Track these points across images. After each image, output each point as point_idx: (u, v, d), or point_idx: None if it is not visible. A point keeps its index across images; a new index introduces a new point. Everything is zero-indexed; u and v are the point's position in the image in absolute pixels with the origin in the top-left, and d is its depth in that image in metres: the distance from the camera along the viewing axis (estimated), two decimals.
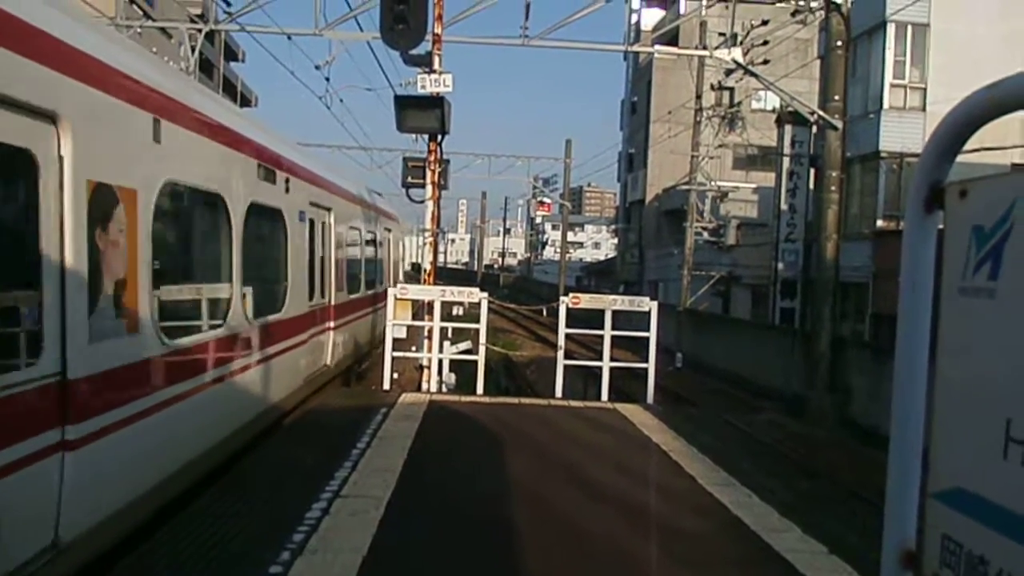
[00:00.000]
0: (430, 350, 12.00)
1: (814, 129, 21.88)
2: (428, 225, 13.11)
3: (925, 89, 22.33)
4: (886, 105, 22.50)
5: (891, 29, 22.40)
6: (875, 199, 22.88)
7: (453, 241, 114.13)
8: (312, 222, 10.50)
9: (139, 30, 18.49)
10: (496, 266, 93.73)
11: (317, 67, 17.66)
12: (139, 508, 5.38)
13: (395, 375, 11.77)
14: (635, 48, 23.89)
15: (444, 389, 12.15)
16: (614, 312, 11.37)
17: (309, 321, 10.23)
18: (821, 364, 17.41)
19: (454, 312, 14.37)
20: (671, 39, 27.74)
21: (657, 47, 22.82)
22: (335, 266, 11.81)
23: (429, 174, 12.69)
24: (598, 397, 11.54)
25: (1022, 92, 1.30)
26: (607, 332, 11.26)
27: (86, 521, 4.62)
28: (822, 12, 17.82)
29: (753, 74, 18.24)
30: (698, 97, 29.10)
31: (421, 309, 12.69)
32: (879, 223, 22.42)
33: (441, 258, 58.70)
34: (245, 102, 52.66)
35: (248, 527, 5.31)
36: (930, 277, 1.50)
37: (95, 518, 4.74)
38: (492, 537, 5.40)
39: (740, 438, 10.07)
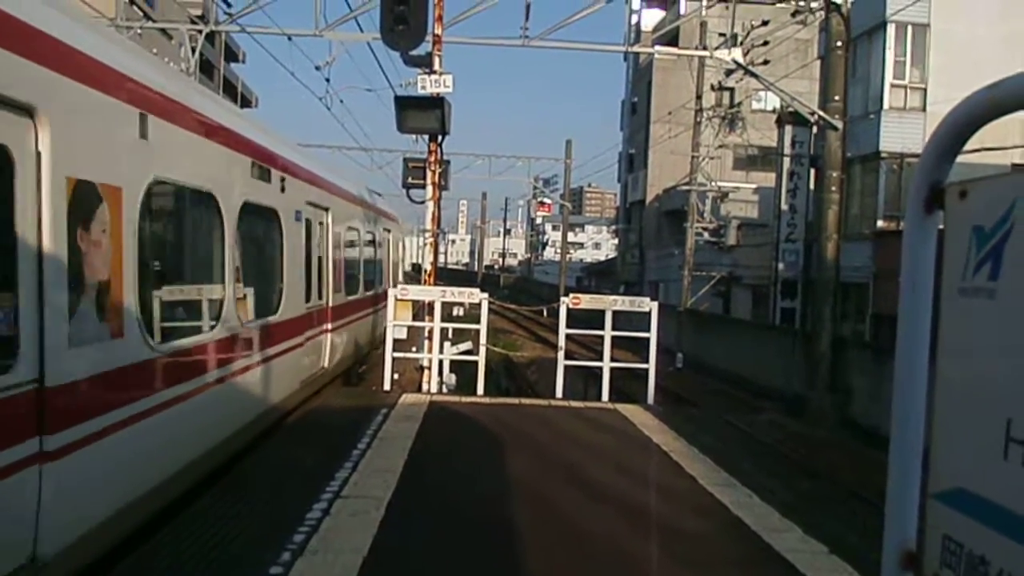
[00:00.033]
0: (430, 351, 12.00)
1: (814, 129, 21.89)
2: (428, 226, 13.11)
3: (925, 89, 22.33)
4: (886, 105, 22.50)
5: (891, 29, 22.40)
6: (875, 199, 22.88)
7: (453, 242, 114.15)
8: (309, 222, 10.33)
9: (139, 31, 18.51)
10: (496, 267, 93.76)
11: (317, 68, 17.69)
12: (124, 520, 5.16)
13: (395, 376, 11.77)
14: (635, 49, 23.91)
15: (444, 390, 12.15)
16: (615, 313, 11.37)
17: (306, 323, 10.05)
18: (822, 364, 17.41)
19: (454, 313, 14.38)
20: (671, 40, 27.75)
21: (657, 48, 22.83)
22: (333, 267, 11.62)
23: (429, 175, 12.69)
24: (599, 397, 11.54)
25: (1022, 92, 1.30)
26: (607, 332, 11.26)
27: (67, 536, 4.41)
28: (822, 12, 17.82)
29: (753, 74, 18.24)
30: (698, 97, 29.11)
31: (421, 310, 12.68)
32: (879, 223, 22.42)
33: (441, 259, 58.73)
34: (245, 103, 52.70)
35: (249, 527, 5.31)
36: (930, 277, 1.50)
37: (76, 532, 4.52)
38: (493, 537, 5.40)
39: (741, 438, 10.06)
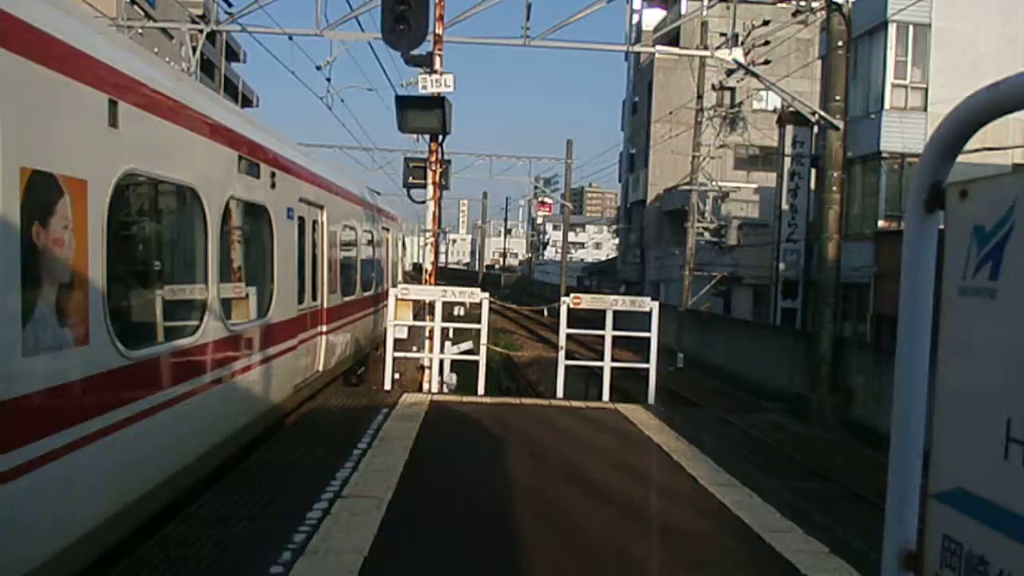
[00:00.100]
0: (431, 350, 11.99)
1: (815, 129, 21.91)
2: (429, 225, 13.11)
3: (926, 89, 22.32)
4: (887, 105, 22.49)
5: (892, 29, 22.39)
6: (876, 199, 22.88)
7: (454, 241, 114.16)
8: (302, 220, 9.97)
9: (140, 31, 18.53)
10: (497, 266, 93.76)
11: (318, 67, 17.67)
12: (88, 547, 4.70)
13: (396, 375, 11.77)
14: (636, 48, 23.84)
15: (445, 389, 12.15)
16: (615, 312, 11.37)
17: (298, 326, 9.69)
18: (823, 365, 17.41)
19: (455, 312, 14.37)
20: (672, 39, 27.77)
21: (658, 47, 22.83)
22: (328, 267, 11.29)
23: (430, 174, 12.69)
24: (599, 397, 11.54)
25: (1022, 92, 1.30)
26: (608, 332, 11.25)
27: (17, 569, 4.02)
28: (823, 12, 17.82)
29: (754, 74, 18.24)
30: (699, 97, 29.10)
31: (422, 309, 12.68)
32: (880, 223, 22.42)
33: (442, 258, 58.80)
34: (247, 102, 52.72)
35: (249, 527, 5.31)
36: (931, 277, 1.50)
37: (31, 564, 4.09)
38: (494, 537, 5.40)
39: (742, 438, 10.08)
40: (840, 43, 17.17)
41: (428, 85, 12.18)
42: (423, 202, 13.02)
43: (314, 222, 10.68)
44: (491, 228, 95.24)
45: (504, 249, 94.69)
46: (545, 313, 25.15)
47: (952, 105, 1.47)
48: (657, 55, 34.87)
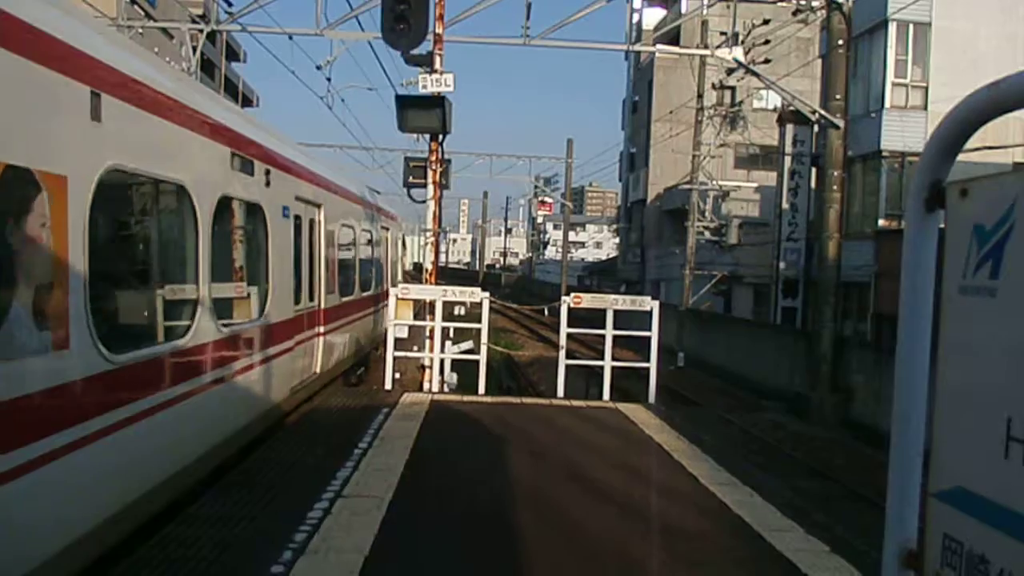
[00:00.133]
0: (432, 350, 11.99)
1: (816, 128, 21.89)
2: (430, 225, 13.11)
3: (927, 88, 22.32)
4: (888, 104, 22.49)
5: (892, 28, 22.39)
6: (877, 198, 22.88)
7: (455, 241, 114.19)
8: (298, 219, 9.75)
9: (141, 30, 18.53)
10: (498, 266, 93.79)
11: (318, 67, 17.66)
12: (69, 563, 4.45)
13: (397, 375, 11.76)
14: (636, 47, 23.86)
15: (446, 389, 12.15)
16: (616, 312, 11.37)
17: (295, 327, 9.47)
18: (823, 364, 17.41)
19: (456, 312, 14.38)
20: (672, 38, 27.76)
21: (658, 46, 22.84)
22: (325, 267, 11.11)
23: (431, 174, 12.69)
24: (600, 397, 11.54)
25: (1023, 91, 1.30)
26: (608, 332, 11.25)
27: None
28: (823, 11, 17.81)
29: (754, 73, 18.24)
30: (699, 96, 29.10)
31: (423, 309, 12.68)
32: (881, 222, 22.42)
33: (443, 258, 58.77)
34: (247, 102, 52.73)
35: (250, 527, 5.31)
36: (931, 276, 1.50)
37: None
38: (494, 537, 5.40)
39: (742, 438, 10.08)
40: (840, 42, 17.17)
41: (428, 84, 12.18)
42: (423, 201, 13.02)
43: (311, 221, 10.52)
44: (491, 227, 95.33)
45: (504, 248, 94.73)
46: (546, 312, 25.15)
47: (952, 104, 1.47)
48: (657, 54, 34.86)
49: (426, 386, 12.20)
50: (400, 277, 20.12)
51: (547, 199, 62.99)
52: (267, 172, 8.37)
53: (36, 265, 4.26)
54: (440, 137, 12.54)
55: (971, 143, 1.50)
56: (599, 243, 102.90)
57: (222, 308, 7.10)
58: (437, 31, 12.51)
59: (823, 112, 17.47)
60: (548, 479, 6.88)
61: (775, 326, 24.05)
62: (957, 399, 1.40)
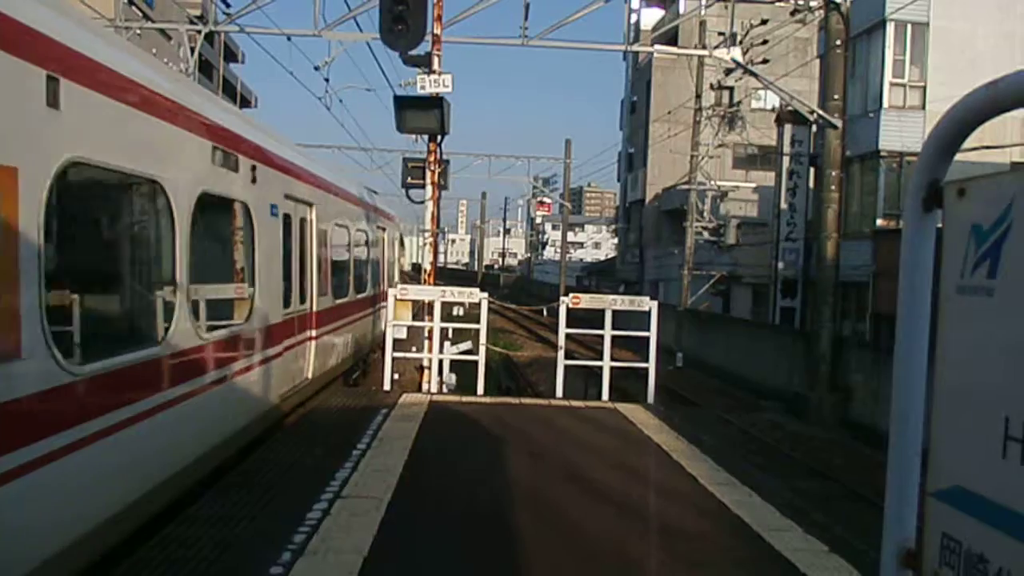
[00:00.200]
0: (430, 351, 12.00)
1: (814, 128, 21.92)
2: (428, 225, 13.11)
3: (925, 88, 22.35)
4: (886, 104, 22.51)
5: (890, 28, 22.42)
6: (875, 198, 22.91)
7: (453, 241, 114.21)
8: (288, 218, 9.34)
9: (138, 31, 18.52)
10: (496, 266, 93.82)
11: (316, 68, 17.71)
12: None
13: (396, 376, 11.75)
14: (635, 48, 23.85)
15: (445, 389, 12.15)
16: (614, 312, 11.38)
17: (284, 331, 9.10)
18: (821, 364, 17.42)
19: (454, 312, 14.38)
20: (671, 39, 27.74)
21: (657, 47, 22.82)
22: (318, 268, 10.71)
23: (429, 174, 12.69)
24: (599, 397, 11.54)
25: (1021, 90, 1.30)
26: (607, 332, 11.26)
27: None
28: (821, 11, 17.83)
29: (752, 73, 18.24)
30: (698, 96, 29.12)
31: (421, 309, 12.68)
32: (879, 222, 22.45)
33: (441, 258, 58.79)
34: (245, 103, 52.74)
35: (249, 527, 5.31)
36: (929, 276, 1.50)
37: None
38: (494, 537, 5.40)
39: (741, 438, 10.07)
40: (838, 42, 17.18)
41: (426, 85, 12.18)
42: (422, 202, 13.02)
43: (302, 220, 10.13)
44: (490, 228, 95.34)
45: (503, 249, 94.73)
46: (544, 313, 25.16)
47: (950, 103, 1.47)
48: (655, 55, 34.87)
49: (425, 387, 12.20)
50: (398, 278, 20.03)
51: (546, 199, 62.99)
52: (253, 168, 8.00)
53: None
54: (438, 138, 12.53)
55: (969, 143, 1.50)
56: (598, 243, 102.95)
57: (201, 313, 6.72)
58: (435, 32, 12.51)
59: (821, 112, 17.48)
60: (547, 479, 6.88)
61: (774, 326, 24.07)
62: (955, 399, 1.41)
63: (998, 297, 1.30)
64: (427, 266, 13.32)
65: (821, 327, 17.57)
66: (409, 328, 12.67)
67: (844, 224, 19.42)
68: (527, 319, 36.43)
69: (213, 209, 7.14)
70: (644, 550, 5.20)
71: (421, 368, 12.81)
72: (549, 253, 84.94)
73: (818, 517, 6.20)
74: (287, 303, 9.34)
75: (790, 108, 20.96)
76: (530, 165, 62.93)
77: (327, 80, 19.99)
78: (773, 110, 30.19)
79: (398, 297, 11.71)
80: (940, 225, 1.48)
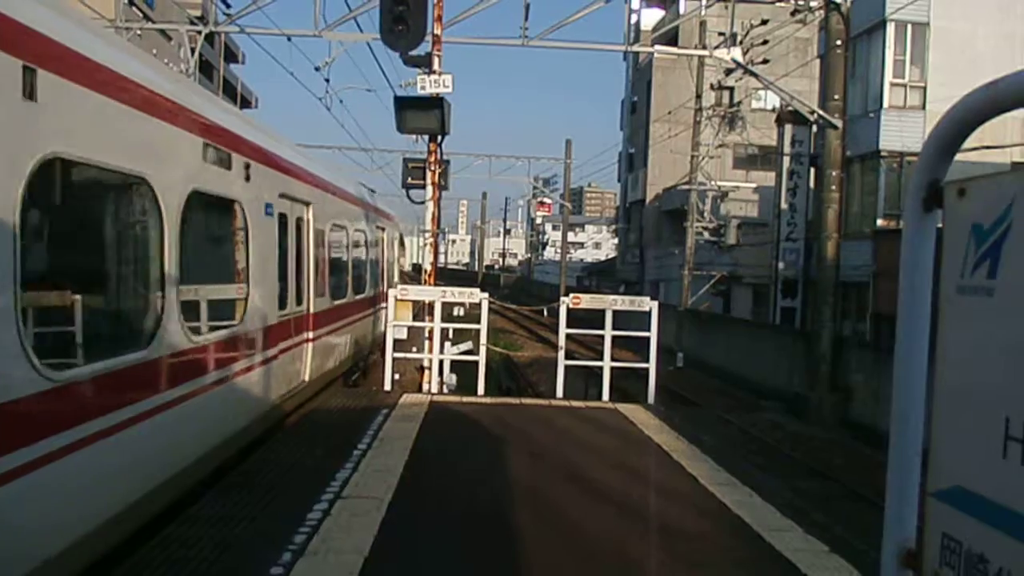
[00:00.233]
0: (431, 351, 12.00)
1: (814, 128, 21.92)
2: (428, 226, 13.11)
3: (925, 88, 22.35)
4: (886, 104, 22.51)
5: (891, 28, 22.42)
6: (875, 198, 22.91)
7: (454, 242, 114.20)
8: (284, 218, 9.16)
9: (139, 32, 18.53)
10: (497, 266, 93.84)
11: (317, 68, 17.73)
12: None
13: (396, 376, 11.75)
14: (635, 48, 23.89)
15: (445, 390, 12.15)
16: (615, 312, 11.37)
17: (280, 333, 8.89)
18: (822, 364, 17.42)
19: (455, 313, 14.37)
20: (671, 39, 27.76)
21: (657, 47, 22.83)
22: (315, 269, 10.54)
23: (429, 175, 12.69)
24: (599, 397, 11.54)
25: (1021, 90, 1.30)
26: (608, 332, 11.26)
27: None
28: (821, 11, 17.83)
29: (753, 73, 18.25)
30: (698, 97, 29.12)
31: (422, 310, 12.68)
32: (879, 222, 22.45)
33: (442, 259, 58.83)
34: (245, 103, 52.77)
35: (250, 528, 5.31)
36: (929, 276, 1.50)
37: None
38: (494, 538, 5.40)
39: (741, 438, 10.07)
40: (839, 42, 17.19)
41: (427, 85, 12.18)
42: (422, 202, 13.01)
43: (299, 220, 9.95)
44: (490, 228, 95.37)
45: (503, 249, 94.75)
46: (545, 313, 25.14)
47: (950, 104, 1.47)
48: (656, 55, 34.88)
49: (425, 387, 12.20)
50: (398, 279, 19.99)
51: (546, 200, 63.00)
52: (247, 166, 7.80)
53: None
54: (439, 138, 12.53)
55: (969, 143, 1.50)
56: (598, 244, 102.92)
57: (192, 315, 6.52)
58: (435, 32, 12.52)
59: (821, 112, 17.49)
60: (547, 480, 6.88)
61: (774, 326, 24.06)
62: (955, 399, 1.41)
63: (998, 297, 1.30)
64: (427, 266, 13.33)
65: (821, 327, 17.57)
66: (409, 328, 12.66)
67: (844, 224, 19.43)
68: (527, 319, 36.43)
69: (204, 208, 6.96)
70: (644, 550, 5.20)
71: (421, 368, 12.81)
72: (549, 253, 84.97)
73: (818, 517, 6.20)
74: (283, 304, 9.16)
75: (790, 108, 20.97)
76: (530, 165, 62.96)
77: (327, 80, 19.97)
78: (773, 110, 30.21)
79: (398, 297, 11.71)
80: (940, 225, 1.48)
